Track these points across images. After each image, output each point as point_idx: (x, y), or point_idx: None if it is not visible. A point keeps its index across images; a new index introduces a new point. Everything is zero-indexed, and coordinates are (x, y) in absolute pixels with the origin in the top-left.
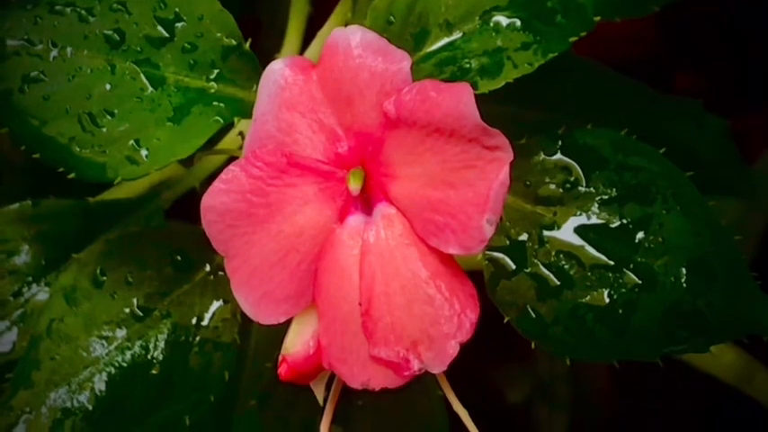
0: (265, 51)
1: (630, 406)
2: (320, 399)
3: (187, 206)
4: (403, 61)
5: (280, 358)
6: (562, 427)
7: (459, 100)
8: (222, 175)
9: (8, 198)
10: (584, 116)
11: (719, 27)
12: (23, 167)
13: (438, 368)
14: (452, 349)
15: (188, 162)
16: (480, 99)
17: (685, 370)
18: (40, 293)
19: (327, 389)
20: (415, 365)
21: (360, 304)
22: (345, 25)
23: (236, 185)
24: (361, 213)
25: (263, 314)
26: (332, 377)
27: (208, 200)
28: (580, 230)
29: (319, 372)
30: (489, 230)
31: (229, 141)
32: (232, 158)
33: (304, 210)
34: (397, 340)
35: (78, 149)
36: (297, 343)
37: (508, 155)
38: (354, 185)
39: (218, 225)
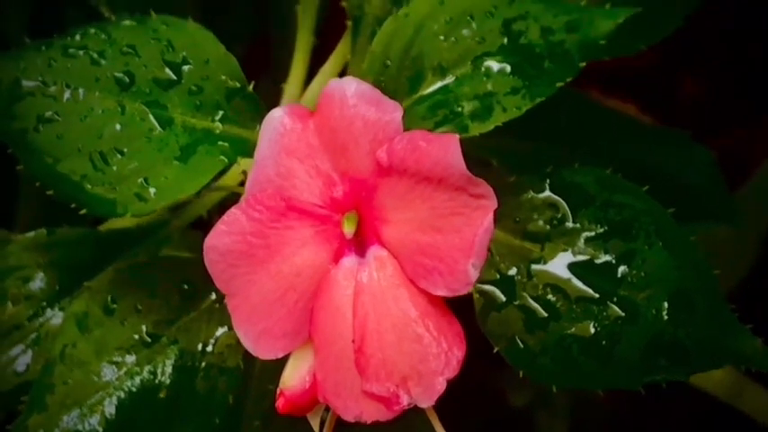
0: (279, 66)
1: (630, 414)
2: (316, 430)
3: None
4: (395, 112)
5: (278, 392)
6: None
7: (447, 150)
8: (224, 218)
9: (27, 225)
10: (575, 147)
11: (720, 30)
12: (41, 195)
13: (426, 403)
14: (440, 385)
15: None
16: None
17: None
18: (54, 318)
19: (323, 421)
20: (405, 400)
21: (353, 341)
22: (344, 65)
23: (238, 227)
24: (354, 255)
25: (262, 349)
26: (327, 409)
27: (210, 241)
28: (567, 265)
29: (315, 404)
30: (474, 274)
31: (231, 177)
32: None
33: (301, 251)
34: (388, 376)
35: (90, 186)
36: (294, 377)
37: (492, 203)
38: (348, 229)
39: (220, 265)
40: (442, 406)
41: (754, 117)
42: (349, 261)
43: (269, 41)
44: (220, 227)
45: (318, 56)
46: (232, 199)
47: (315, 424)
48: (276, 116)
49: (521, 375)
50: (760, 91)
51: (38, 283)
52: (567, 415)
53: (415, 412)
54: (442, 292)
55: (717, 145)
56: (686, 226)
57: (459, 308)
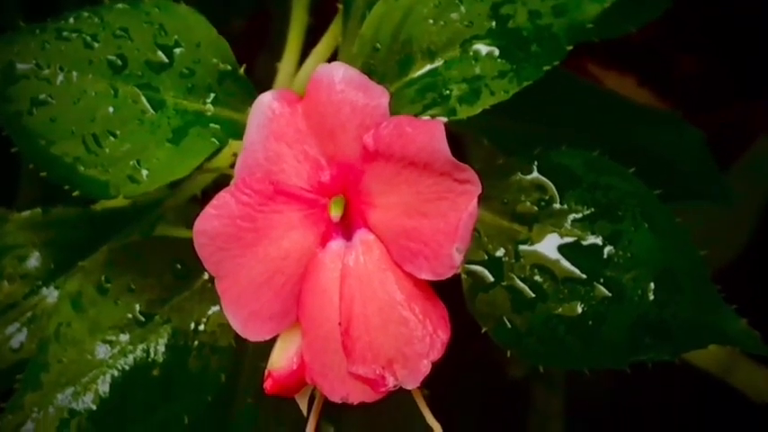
0: (279, 40)
1: (625, 388)
2: (304, 410)
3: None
4: (382, 97)
5: (266, 373)
6: (558, 406)
7: (432, 136)
8: (213, 201)
9: (28, 204)
10: (566, 127)
11: (721, 6)
12: (39, 177)
13: (412, 384)
14: (425, 367)
15: None
16: None
17: None
18: (49, 297)
19: (311, 401)
20: (391, 382)
21: (340, 324)
22: (336, 47)
23: (227, 211)
24: (341, 239)
25: (250, 331)
26: (315, 390)
27: (200, 224)
28: (554, 246)
29: (302, 386)
30: (459, 258)
31: (223, 159)
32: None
33: (289, 234)
34: (374, 358)
35: (83, 168)
36: (282, 359)
37: (476, 188)
38: (335, 213)
39: (209, 248)
40: (440, 378)
41: (751, 93)
42: (336, 245)
43: (269, 15)
44: (209, 210)
45: (315, 34)
46: (227, 178)
47: (303, 405)
48: (265, 101)
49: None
50: (757, 67)
51: (33, 261)
52: (563, 388)
53: (404, 393)
54: (427, 276)
55: (713, 120)
56: (677, 205)
57: (451, 286)
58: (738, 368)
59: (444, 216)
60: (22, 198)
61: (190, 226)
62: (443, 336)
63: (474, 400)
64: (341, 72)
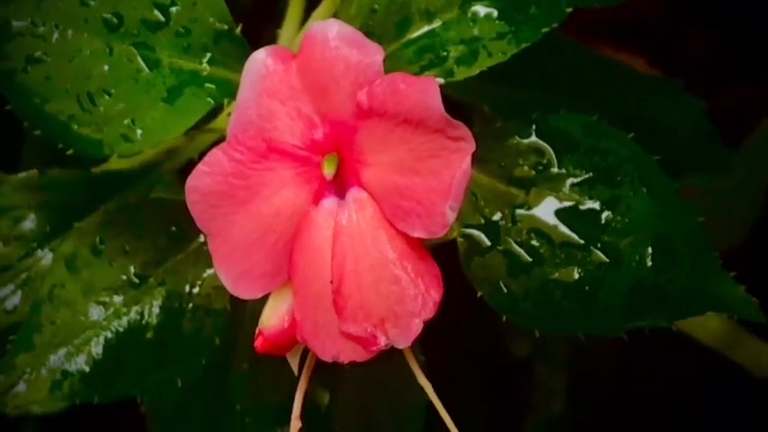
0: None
1: (628, 367)
2: (295, 370)
3: None
4: (376, 54)
5: (256, 332)
6: (560, 383)
7: (426, 93)
8: (206, 158)
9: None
10: (567, 95)
11: None
12: (42, 143)
13: (403, 344)
14: (416, 327)
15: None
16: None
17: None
18: (44, 259)
19: (302, 361)
20: (382, 341)
21: (331, 282)
22: (335, 10)
23: (219, 168)
24: (334, 197)
25: (241, 289)
26: (306, 350)
27: (192, 181)
28: (551, 210)
29: (294, 345)
30: (451, 216)
31: (222, 121)
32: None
33: (281, 192)
34: (366, 317)
35: (77, 127)
36: (272, 317)
37: (470, 146)
38: (329, 170)
39: (201, 205)
40: (442, 354)
41: (763, 74)
42: (329, 203)
43: None
44: (201, 167)
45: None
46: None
47: (294, 364)
48: (258, 58)
49: (504, 318)
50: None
51: (29, 223)
52: (565, 368)
53: (399, 359)
54: (419, 234)
55: (724, 100)
56: (683, 183)
57: (450, 254)
58: (740, 343)
59: (437, 174)
60: (24, 165)
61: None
62: (436, 295)
63: (477, 378)
64: (335, 29)
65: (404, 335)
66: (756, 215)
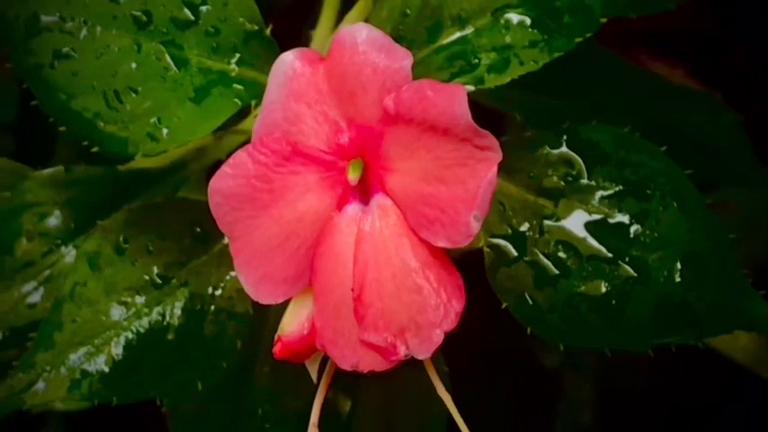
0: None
1: (658, 380)
2: (314, 377)
3: None
4: (405, 59)
5: (275, 338)
6: (589, 395)
7: (453, 100)
8: (230, 160)
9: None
10: (600, 105)
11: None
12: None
13: (423, 354)
14: (437, 337)
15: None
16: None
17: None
18: (68, 256)
19: (322, 369)
20: (402, 351)
21: (352, 290)
22: (368, 13)
23: (243, 170)
24: (358, 203)
25: (262, 294)
26: (326, 358)
27: (215, 183)
28: (580, 223)
29: (313, 352)
30: (476, 226)
31: (249, 123)
32: None
33: (305, 197)
34: (386, 326)
35: (102, 125)
36: (292, 323)
37: (497, 155)
38: (353, 176)
39: (223, 208)
40: (468, 364)
41: None
42: (352, 208)
43: None
44: (225, 169)
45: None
46: None
47: (313, 371)
48: (286, 60)
49: (528, 331)
50: None
51: (53, 220)
52: (595, 378)
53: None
54: (443, 244)
55: (759, 113)
56: (713, 198)
57: (478, 263)
58: None
59: (463, 183)
60: (57, 161)
61: None
62: (458, 306)
63: (503, 388)
64: (364, 33)
65: (424, 345)
66: None
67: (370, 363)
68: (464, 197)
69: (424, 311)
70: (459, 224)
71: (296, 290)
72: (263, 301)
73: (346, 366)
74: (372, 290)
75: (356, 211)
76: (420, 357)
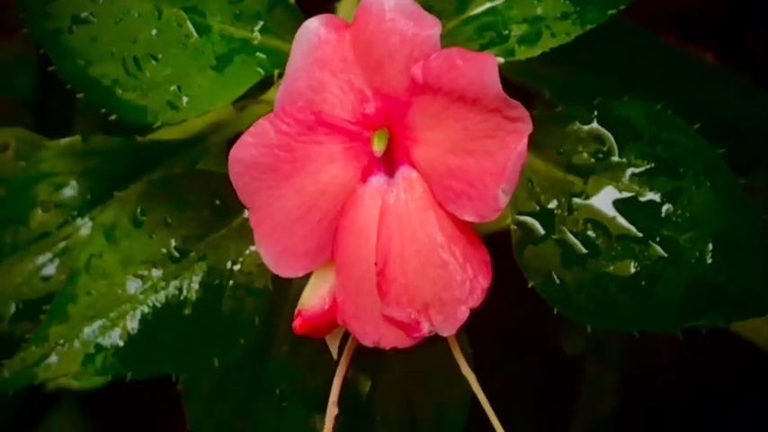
0: None
1: (682, 367)
2: (334, 353)
3: None
4: (433, 27)
5: (296, 312)
6: (612, 383)
7: (483, 70)
8: (251, 129)
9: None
10: (631, 83)
11: None
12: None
13: (448, 331)
14: (462, 314)
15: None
16: (530, 60)
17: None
18: (84, 228)
19: (342, 345)
20: (426, 328)
21: (375, 264)
22: None
23: (264, 139)
24: (383, 174)
25: (283, 267)
26: (347, 334)
27: (236, 152)
28: (610, 201)
29: (334, 327)
30: (504, 200)
31: (272, 94)
32: None
33: (328, 167)
34: (410, 302)
35: (121, 92)
36: (313, 297)
37: (528, 127)
38: (379, 147)
39: (244, 177)
40: (490, 347)
41: None
42: (377, 180)
43: None
44: (247, 138)
45: None
46: None
47: (333, 347)
48: (311, 27)
49: (555, 311)
50: None
51: (70, 191)
52: (617, 367)
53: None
54: (470, 218)
55: None
56: (747, 175)
57: (503, 243)
58: None
59: (492, 155)
60: (77, 131)
61: None
62: (484, 282)
63: (525, 372)
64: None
65: (449, 322)
66: None
67: (392, 339)
68: (493, 170)
69: (449, 287)
70: (488, 197)
71: (317, 263)
72: (284, 274)
73: (368, 342)
74: (396, 264)
75: (381, 183)
76: (444, 334)
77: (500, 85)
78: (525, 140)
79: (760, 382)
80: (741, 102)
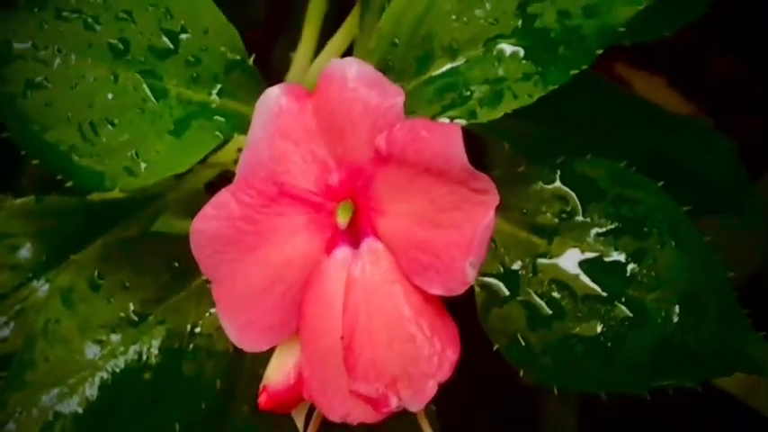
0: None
1: (641, 400)
2: (300, 428)
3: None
4: (397, 97)
5: (260, 387)
6: (571, 417)
7: (449, 141)
8: (213, 200)
9: (27, 193)
10: (591, 133)
11: (755, 9)
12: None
13: (416, 406)
14: (431, 389)
15: None
16: None
17: None
18: (40, 290)
19: (308, 418)
20: (394, 403)
21: (342, 338)
22: (353, 40)
23: (226, 211)
24: (348, 246)
25: (246, 341)
26: (312, 407)
27: (197, 224)
28: (574, 261)
29: (299, 402)
30: (472, 273)
31: (227, 154)
32: None
33: (292, 240)
34: (377, 377)
35: (78, 158)
36: (278, 372)
37: (494, 198)
38: (343, 219)
39: (206, 250)
40: (449, 384)
41: None
42: (342, 252)
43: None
44: (208, 210)
45: (336, 22)
46: (232, 173)
47: (299, 422)
48: (272, 95)
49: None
50: None
51: (25, 252)
52: (576, 399)
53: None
54: (437, 291)
55: (743, 128)
56: (700, 219)
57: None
58: (760, 390)
59: (459, 227)
60: (26, 185)
61: (192, 219)
62: (452, 356)
63: (481, 412)
64: (354, 68)
65: (417, 397)
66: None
67: (360, 414)
68: (460, 242)
69: (417, 362)
70: (455, 271)
71: (282, 337)
72: (248, 348)
73: (335, 418)
74: (363, 338)
75: (346, 255)
76: (413, 410)
77: (465, 158)
78: (492, 213)
79: (720, 419)
80: (701, 147)
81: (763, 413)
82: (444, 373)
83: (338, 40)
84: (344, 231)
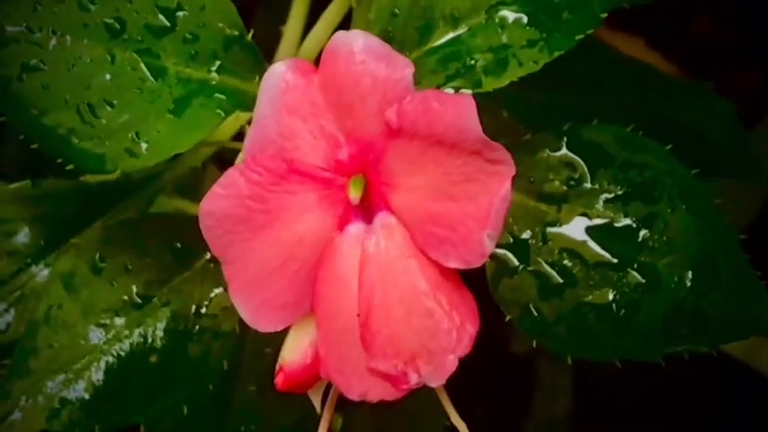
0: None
1: (636, 365)
2: (317, 406)
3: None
4: (406, 69)
5: (277, 368)
6: (566, 381)
7: (462, 112)
8: (221, 180)
9: (12, 174)
10: (591, 99)
11: None
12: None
13: (436, 382)
14: (451, 363)
15: None
16: None
17: None
18: (39, 275)
19: (325, 397)
20: (413, 379)
21: (358, 315)
22: (347, 11)
23: (235, 191)
24: (361, 222)
25: (261, 321)
26: (329, 385)
27: (206, 204)
28: (584, 228)
29: (317, 381)
30: (490, 245)
31: (222, 131)
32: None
33: (304, 217)
34: (396, 353)
35: (77, 141)
36: (294, 352)
37: (510, 169)
38: (355, 194)
39: (216, 230)
40: None
41: (764, 59)
42: (355, 228)
43: None
44: (217, 190)
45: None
46: (229, 151)
47: (316, 401)
48: (277, 72)
49: (534, 344)
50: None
51: (22, 237)
52: (571, 364)
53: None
54: (454, 264)
55: (725, 88)
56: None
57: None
58: (764, 353)
59: (474, 199)
60: (6, 166)
61: (189, 198)
62: (471, 329)
63: (473, 379)
64: (361, 41)
65: (437, 372)
66: (759, 207)
67: (379, 392)
68: (476, 214)
69: (435, 337)
70: (472, 243)
71: (297, 316)
72: (262, 328)
73: (354, 396)
74: (380, 315)
75: (359, 230)
76: (432, 385)
77: (480, 128)
78: (509, 183)
79: (718, 381)
80: (702, 109)
81: (766, 376)
82: (464, 347)
83: (332, 12)
84: (356, 207)
